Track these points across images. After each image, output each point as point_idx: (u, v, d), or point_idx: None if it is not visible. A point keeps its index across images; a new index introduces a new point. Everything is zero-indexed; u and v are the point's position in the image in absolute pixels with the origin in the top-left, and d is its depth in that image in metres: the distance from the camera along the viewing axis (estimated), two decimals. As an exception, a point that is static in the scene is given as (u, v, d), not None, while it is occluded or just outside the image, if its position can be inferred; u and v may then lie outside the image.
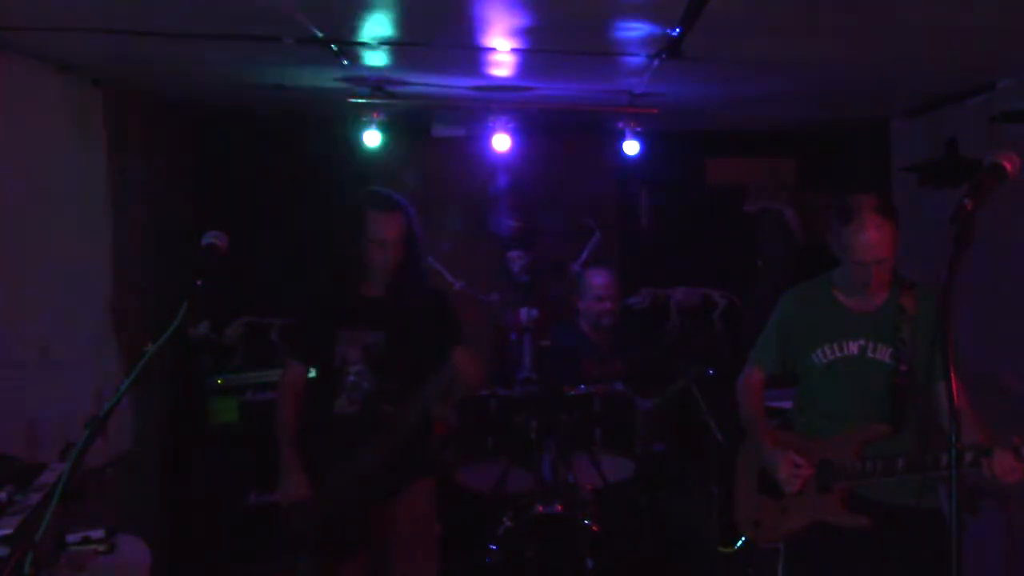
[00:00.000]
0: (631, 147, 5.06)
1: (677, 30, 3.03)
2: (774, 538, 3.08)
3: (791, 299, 3.07)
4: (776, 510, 3.00)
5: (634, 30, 3.13)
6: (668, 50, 3.32)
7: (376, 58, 3.76)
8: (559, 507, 3.98)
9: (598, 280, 4.73)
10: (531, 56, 3.66)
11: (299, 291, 3.44)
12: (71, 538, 2.43)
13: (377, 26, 3.20)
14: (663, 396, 4.51)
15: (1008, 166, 1.91)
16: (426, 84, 4.38)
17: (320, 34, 3.22)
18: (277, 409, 3.30)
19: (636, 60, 3.59)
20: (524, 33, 3.23)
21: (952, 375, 1.75)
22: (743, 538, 3.50)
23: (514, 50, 3.53)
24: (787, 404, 3.24)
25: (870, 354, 2.87)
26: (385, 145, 4.99)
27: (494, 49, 3.51)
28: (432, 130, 5.74)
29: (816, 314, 2.97)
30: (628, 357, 4.68)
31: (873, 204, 2.73)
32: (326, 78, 4.12)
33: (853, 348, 2.90)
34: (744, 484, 3.15)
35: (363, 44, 3.47)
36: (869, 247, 2.72)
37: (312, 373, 3.34)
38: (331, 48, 3.46)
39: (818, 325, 2.95)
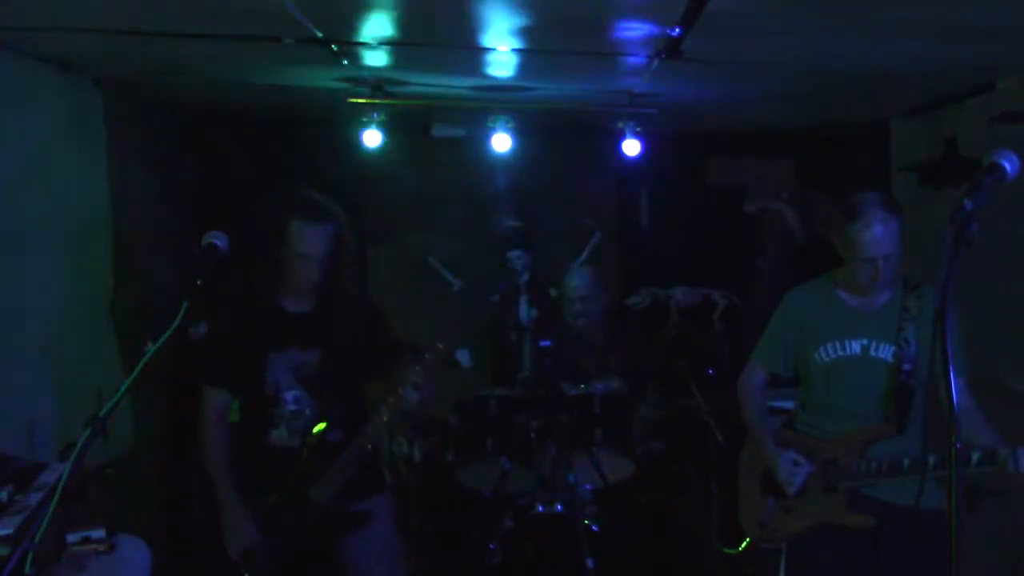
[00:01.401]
0: (631, 147, 5.06)
1: (677, 30, 3.03)
2: (779, 539, 3.07)
3: (794, 298, 3.08)
4: (780, 511, 3.00)
5: (634, 30, 3.13)
6: (668, 50, 3.32)
7: (376, 58, 3.76)
8: (559, 507, 3.98)
9: (574, 281, 4.75)
10: (531, 56, 3.66)
11: (217, 307, 2.96)
12: (71, 538, 2.42)
13: (377, 26, 3.20)
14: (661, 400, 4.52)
15: (1008, 166, 1.91)
16: (426, 84, 4.38)
17: (320, 34, 3.22)
18: (204, 445, 2.97)
19: (636, 60, 3.59)
20: (524, 33, 3.22)
21: (951, 375, 1.75)
22: (747, 539, 3.50)
23: (514, 50, 3.52)
24: (789, 404, 3.24)
25: (872, 353, 2.88)
26: (385, 145, 4.99)
27: (494, 49, 3.51)
28: (432, 130, 5.74)
29: (819, 313, 2.98)
30: (622, 350, 4.66)
31: (879, 201, 2.76)
32: (326, 78, 4.12)
33: (855, 347, 2.90)
34: (748, 485, 3.15)
35: (363, 44, 3.47)
36: (875, 243, 2.73)
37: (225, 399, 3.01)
38: (331, 48, 3.46)
39: (821, 324, 2.96)
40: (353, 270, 3.04)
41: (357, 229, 3.01)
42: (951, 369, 1.72)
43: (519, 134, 5.09)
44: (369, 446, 2.91)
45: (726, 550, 3.95)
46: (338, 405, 2.96)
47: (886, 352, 2.86)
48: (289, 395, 2.91)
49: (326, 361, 2.93)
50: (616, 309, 5.10)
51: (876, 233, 2.72)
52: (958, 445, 1.82)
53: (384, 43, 3.49)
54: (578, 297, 4.70)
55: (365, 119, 4.90)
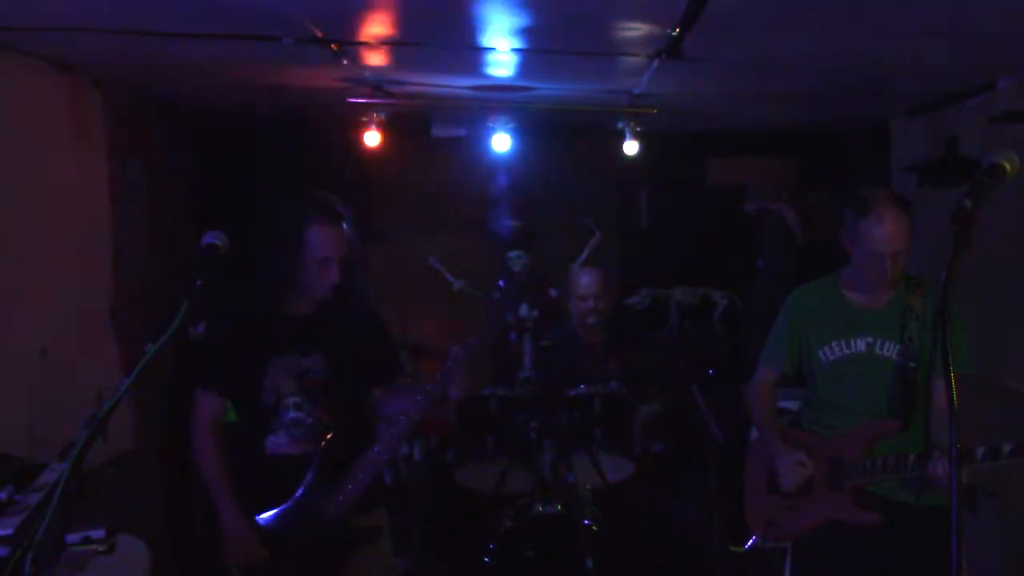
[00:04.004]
0: (631, 147, 5.06)
1: (677, 30, 3.03)
2: (786, 537, 3.08)
3: (798, 298, 3.08)
4: (787, 509, 2.99)
5: (634, 30, 3.13)
6: (668, 50, 3.32)
7: (376, 58, 3.76)
8: (559, 507, 3.98)
9: (582, 279, 4.73)
10: (531, 56, 3.66)
11: (221, 311, 2.86)
12: (71, 538, 2.42)
13: (377, 26, 3.20)
14: (661, 400, 4.51)
15: (1008, 166, 1.91)
16: (426, 84, 4.38)
17: (320, 34, 3.22)
18: (200, 455, 2.83)
19: (636, 60, 3.59)
20: (524, 33, 3.22)
21: (951, 374, 1.75)
22: (754, 537, 3.50)
23: (514, 50, 3.52)
24: (793, 405, 3.25)
25: (878, 351, 2.88)
26: (385, 145, 4.99)
27: (494, 49, 3.51)
28: (432, 130, 5.74)
29: (823, 312, 2.98)
30: (622, 357, 4.66)
31: (891, 197, 2.78)
32: (326, 78, 4.12)
33: (861, 345, 2.90)
34: (755, 483, 3.15)
35: (363, 44, 3.47)
36: (887, 239, 2.74)
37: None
38: (331, 48, 3.46)
39: (825, 322, 2.96)
40: (358, 271, 2.97)
41: (359, 228, 2.95)
42: (949, 369, 1.72)
43: (519, 134, 5.09)
44: (386, 458, 2.79)
45: (733, 548, 3.95)
46: (344, 413, 2.83)
47: (891, 350, 2.86)
48: (290, 401, 2.79)
49: (329, 367, 2.81)
50: (616, 309, 5.10)
51: (888, 229, 2.73)
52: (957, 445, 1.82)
53: (384, 43, 3.49)
54: (591, 295, 4.68)
55: (365, 119, 4.90)
